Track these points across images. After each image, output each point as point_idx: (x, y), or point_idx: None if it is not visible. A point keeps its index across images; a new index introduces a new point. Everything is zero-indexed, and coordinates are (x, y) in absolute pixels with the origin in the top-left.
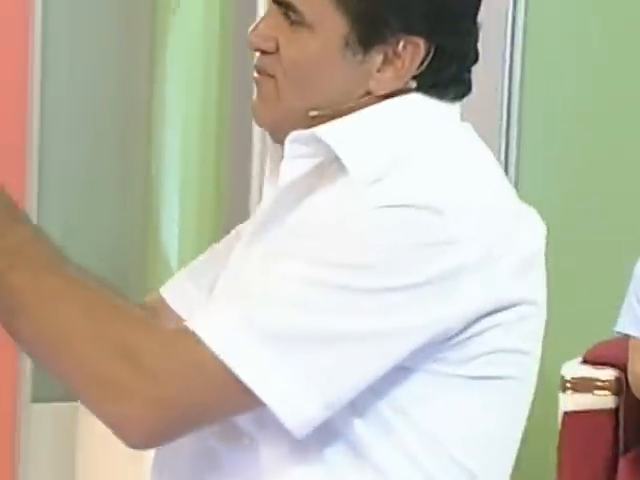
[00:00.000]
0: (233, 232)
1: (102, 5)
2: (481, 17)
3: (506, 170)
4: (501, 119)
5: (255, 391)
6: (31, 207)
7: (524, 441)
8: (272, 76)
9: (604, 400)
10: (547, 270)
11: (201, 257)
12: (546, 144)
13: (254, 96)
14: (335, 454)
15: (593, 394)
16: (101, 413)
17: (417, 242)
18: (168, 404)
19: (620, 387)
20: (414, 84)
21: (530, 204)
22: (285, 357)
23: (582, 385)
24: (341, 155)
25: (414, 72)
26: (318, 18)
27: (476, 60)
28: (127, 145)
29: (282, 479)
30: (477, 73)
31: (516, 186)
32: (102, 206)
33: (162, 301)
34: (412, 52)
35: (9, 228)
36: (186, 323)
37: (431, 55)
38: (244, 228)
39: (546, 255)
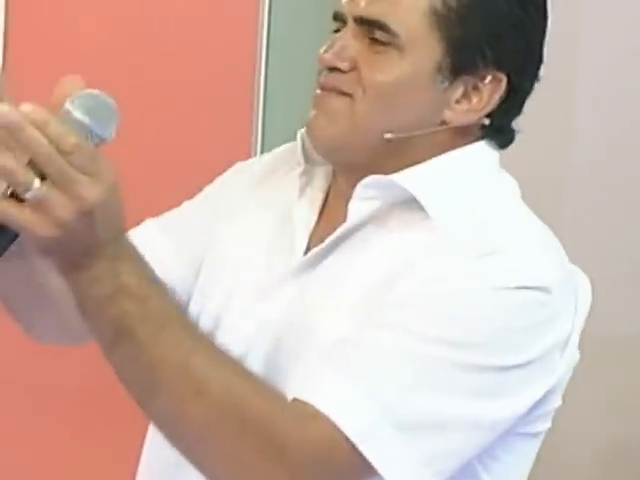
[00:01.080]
0: (203, 194)
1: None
2: None
3: None
4: None
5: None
6: None
7: None
8: (347, 94)
9: None
10: None
11: (178, 214)
12: None
13: (313, 115)
14: None
15: None
16: None
17: (532, 322)
18: None
19: None
20: (487, 121)
21: None
22: (418, 445)
23: None
24: (430, 212)
25: (491, 109)
26: (412, 40)
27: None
28: None
29: None
30: None
31: None
32: None
33: None
34: (493, 88)
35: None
36: (313, 402)
37: (506, 94)
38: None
39: None
